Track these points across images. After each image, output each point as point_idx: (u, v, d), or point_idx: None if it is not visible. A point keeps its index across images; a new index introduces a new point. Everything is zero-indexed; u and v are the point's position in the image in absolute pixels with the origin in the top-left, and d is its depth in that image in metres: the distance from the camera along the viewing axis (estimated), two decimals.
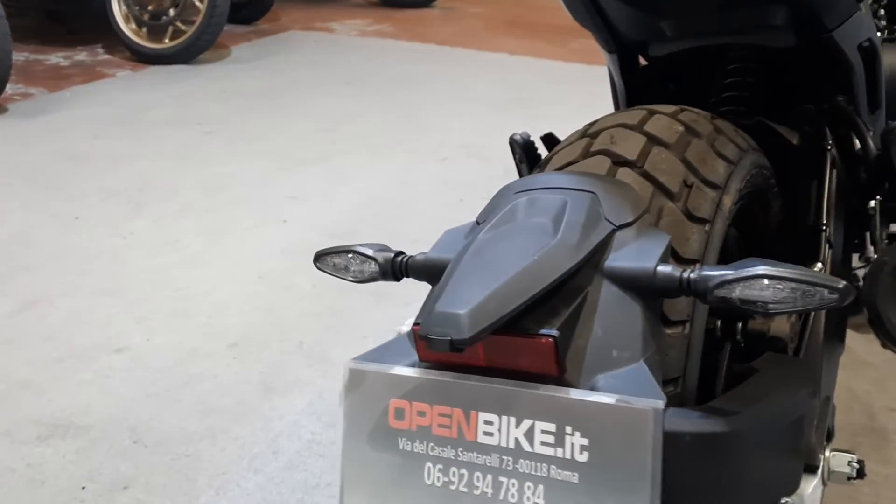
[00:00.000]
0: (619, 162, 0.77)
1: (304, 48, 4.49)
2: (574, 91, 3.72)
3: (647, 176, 0.75)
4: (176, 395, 1.64)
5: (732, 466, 0.56)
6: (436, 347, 0.54)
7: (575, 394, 0.55)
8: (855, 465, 0.82)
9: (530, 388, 0.56)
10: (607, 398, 0.53)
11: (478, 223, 0.74)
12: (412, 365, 0.62)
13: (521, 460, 0.55)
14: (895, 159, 0.96)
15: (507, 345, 0.57)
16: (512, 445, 0.56)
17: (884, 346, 1.00)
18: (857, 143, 1.10)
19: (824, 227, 0.93)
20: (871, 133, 1.12)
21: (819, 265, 0.90)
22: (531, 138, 1.23)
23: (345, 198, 2.58)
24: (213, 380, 1.69)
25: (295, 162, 2.86)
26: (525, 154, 1.22)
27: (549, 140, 1.25)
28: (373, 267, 0.75)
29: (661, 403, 0.52)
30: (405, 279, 0.78)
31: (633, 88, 1.27)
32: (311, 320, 1.91)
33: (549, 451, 0.54)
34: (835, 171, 1.00)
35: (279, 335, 1.85)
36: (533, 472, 0.55)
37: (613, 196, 0.68)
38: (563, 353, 0.56)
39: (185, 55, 4.00)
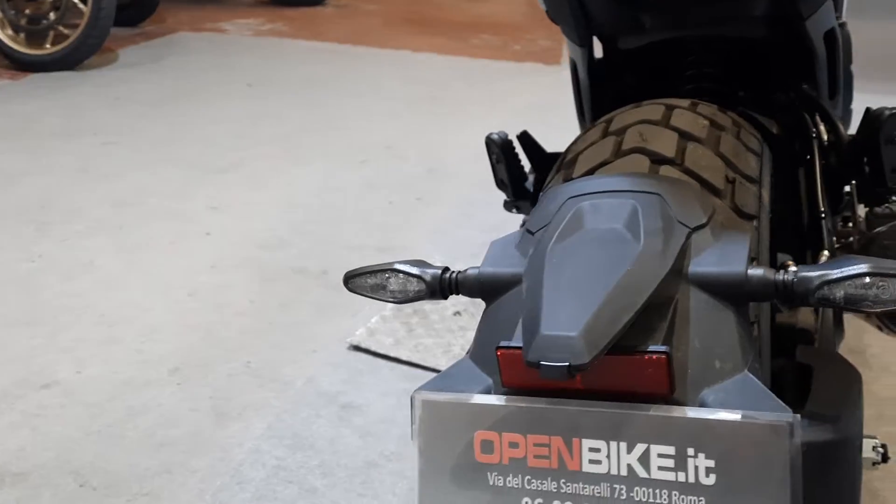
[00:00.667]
0: (658, 160, 0.75)
1: (198, 50, 4.29)
2: (486, 88, 3.72)
3: (691, 173, 0.73)
4: (119, 430, 1.52)
5: (852, 471, 0.54)
6: (551, 375, 0.50)
7: (693, 412, 0.52)
8: (879, 449, 0.83)
9: (642, 410, 0.52)
10: (733, 415, 0.51)
11: (530, 232, 0.70)
12: (489, 392, 0.58)
13: (637, 488, 0.52)
14: (882, 144, 0.99)
15: (612, 365, 0.53)
16: (625, 472, 0.52)
17: (879, 328, 1.02)
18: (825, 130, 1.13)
19: (823, 215, 0.95)
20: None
21: (826, 253, 0.91)
22: (508, 137, 1.20)
23: (268, 205, 2.47)
24: (159, 410, 1.58)
25: (208, 170, 2.72)
26: (503, 153, 1.19)
27: (525, 139, 1.23)
28: (417, 286, 0.69)
29: (793, 417, 0.50)
30: (453, 296, 0.72)
31: (596, 83, 1.26)
32: (254, 337, 1.81)
33: (670, 476, 0.51)
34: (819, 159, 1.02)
35: (223, 356, 1.74)
36: (652, 500, 0.51)
37: (680, 197, 0.65)
38: (673, 370, 0.53)
39: (70, 61, 3.74)
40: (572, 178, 0.76)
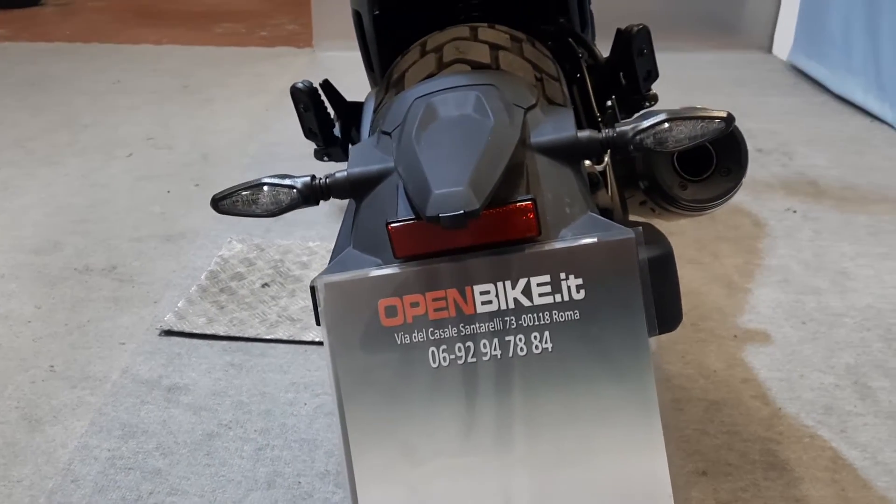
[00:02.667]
0: (477, 67, 0.85)
1: None
2: (243, 73, 3.67)
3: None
4: None
5: (675, 278, 0.68)
6: (451, 223, 0.57)
7: (560, 244, 0.62)
8: None
9: (519, 251, 0.62)
10: (590, 239, 0.62)
11: (386, 133, 0.77)
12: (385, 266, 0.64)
13: (524, 315, 0.61)
14: (635, 56, 1.17)
15: (489, 219, 0.62)
16: (512, 305, 0.62)
17: (652, 210, 1.21)
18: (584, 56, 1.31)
19: (600, 120, 1.11)
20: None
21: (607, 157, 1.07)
22: (314, 85, 1.24)
23: (28, 210, 2.29)
24: None
25: None
26: (311, 101, 1.23)
27: (328, 88, 1.28)
28: (290, 195, 0.74)
29: (635, 231, 0.62)
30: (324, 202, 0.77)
31: (381, 31, 1.34)
32: (51, 342, 1.69)
33: (549, 300, 0.61)
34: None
35: (21, 365, 1.61)
36: (537, 322, 0.61)
37: (510, 86, 0.76)
38: (538, 215, 0.63)
39: None
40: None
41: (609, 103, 1.29)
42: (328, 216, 2.21)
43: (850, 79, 3.24)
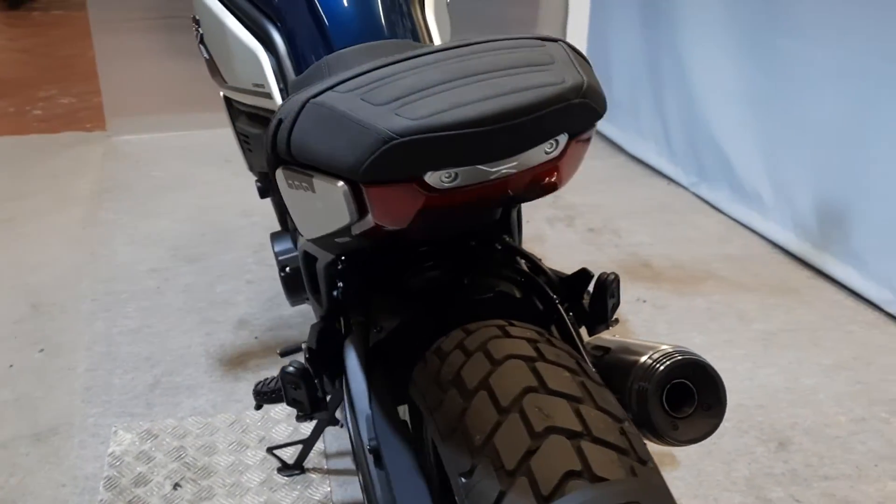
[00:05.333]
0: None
1: None
2: (27, 176, 3.28)
3: None
4: None
5: None
6: None
7: None
8: None
9: None
10: None
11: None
12: None
13: None
14: (608, 296, 1.25)
15: None
16: None
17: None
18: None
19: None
20: None
21: None
22: (303, 364, 1.18)
23: None
24: None
25: None
26: (303, 379, 1.16)
27: (314, 357, 1.21)
28: None
29: None
30: None
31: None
32: None
33: None
34: None
35: None
36: None
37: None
38: None
39: None
40: None
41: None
42: (211, 377, 2.08)
43: (642, 142, 3.60)
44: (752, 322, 2.37)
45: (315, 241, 1.07)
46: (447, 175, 0.86)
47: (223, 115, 1.73)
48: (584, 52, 3.71)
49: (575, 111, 0.89)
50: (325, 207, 0.91)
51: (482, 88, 0.84)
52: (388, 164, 0.81)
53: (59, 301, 2.42)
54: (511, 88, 0.85)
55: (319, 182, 0.89)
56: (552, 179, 0.96)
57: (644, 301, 2.48)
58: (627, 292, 2.51)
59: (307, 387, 1.17)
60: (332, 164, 0.85)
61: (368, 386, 1.11)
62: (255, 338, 2.25)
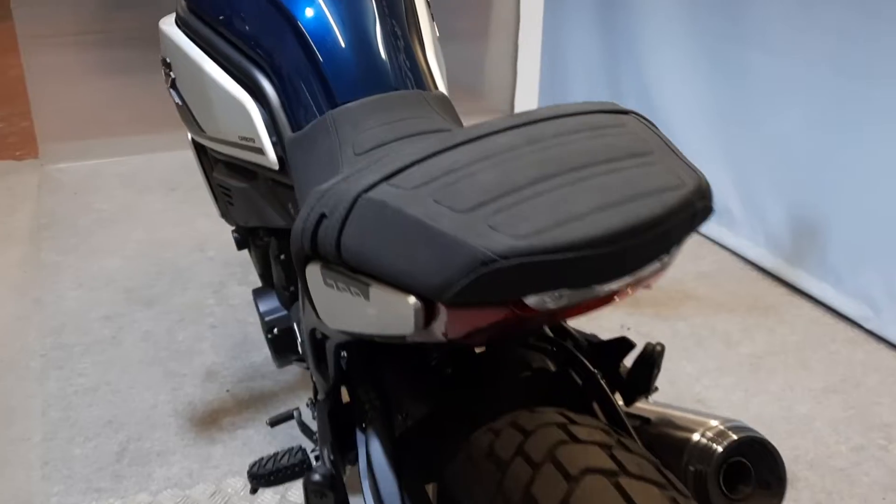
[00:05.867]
0: None
1: None
2: None
3: None
4: None
5: None
6: None
7: None
8: None
9: None
10: None
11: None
12: None
13: None
14: (655, 368, 1.17)
15: None
16: None
17: None
18: None
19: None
20: None
21: None
22: (331, 470, 1.05)
23: None
24: None
25: None
26: (331, 488, 1.04)
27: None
28: None
29: None
30: None
31: None
32: None
33: None
34: None
35: None
36: None
37: None
38: None
39: None
40: None
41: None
42: (183, 440, 1.92)
43: None
44: (737, 346, 2.34)
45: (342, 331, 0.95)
46: (553, 296, 0.74)
47: (164, 139, 1.57)
48: (537, 65, 3.60)
49: (699, 218, 0.77)
50: (378, 315, 0.78)
51: (590, 194, 0.71)
52: (484, 288, 0.68)
53: (3, 358, 2.22)
54: (628, 195, 0.72)
55: (379, 291, 0.76)
56: (651, 282, 0.85)
57: (628, 328, 2.42)
58: (611, 319, 2.45)
59: (336, 496, 1.04)
60: (405, 281, 0.71)
61: (399, 482, 0.99)
62: (227, 391, 2.09)
